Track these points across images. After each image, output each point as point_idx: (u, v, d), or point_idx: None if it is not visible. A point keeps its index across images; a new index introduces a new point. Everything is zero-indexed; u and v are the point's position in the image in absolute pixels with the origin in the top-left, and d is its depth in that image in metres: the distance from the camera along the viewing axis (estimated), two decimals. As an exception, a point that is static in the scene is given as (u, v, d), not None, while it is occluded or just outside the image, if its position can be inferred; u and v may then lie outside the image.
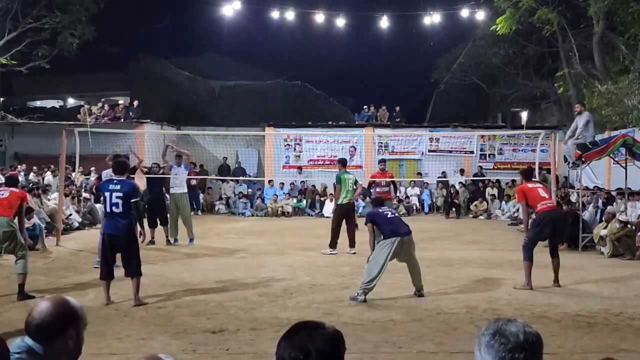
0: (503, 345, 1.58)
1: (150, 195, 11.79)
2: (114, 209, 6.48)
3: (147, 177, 12.00)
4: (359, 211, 14.94)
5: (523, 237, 7.95)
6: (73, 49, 20.90)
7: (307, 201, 19.19)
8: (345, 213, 10.59)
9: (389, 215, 7.06)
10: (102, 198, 7.88)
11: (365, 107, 22.24)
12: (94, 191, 8.11)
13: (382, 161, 12.36)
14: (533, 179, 8.49)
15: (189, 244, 11.39)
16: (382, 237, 6.99)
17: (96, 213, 15.19)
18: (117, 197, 6.46)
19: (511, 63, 24.61)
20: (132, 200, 6.52)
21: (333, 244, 10.45)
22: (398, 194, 16.37)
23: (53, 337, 2.02)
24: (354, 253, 10.24)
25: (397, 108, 22.38)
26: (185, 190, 11.76)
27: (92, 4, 20.64)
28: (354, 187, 10.66)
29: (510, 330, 1.61)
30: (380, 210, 7.19)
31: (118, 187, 6.51)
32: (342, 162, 11.20)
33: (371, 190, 12.29)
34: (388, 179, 11.81)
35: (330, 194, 18.68)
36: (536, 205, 7.71)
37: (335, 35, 23.21)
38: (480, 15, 21.21)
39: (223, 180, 19.89)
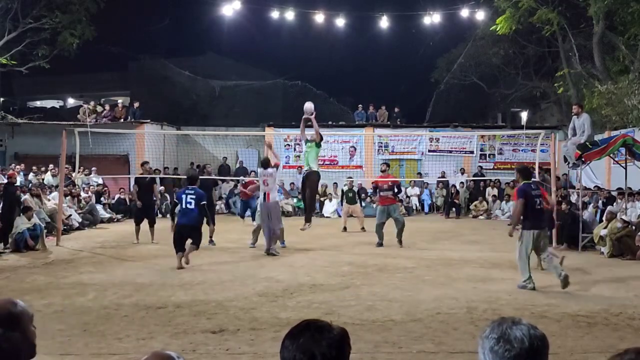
0: (507, 352, 1.53)
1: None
2: (188, 206, 8.94)
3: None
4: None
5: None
6: (73, 49, 20.85)
7: (307, 201, 19.14)
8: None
9: (536, 206, 7.31)
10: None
11: (360, 105, 22.18)
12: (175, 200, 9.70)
13: (385, 164, 12.58)
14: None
15: (249, 245, 11.26)
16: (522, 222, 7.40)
17: (96, 213, 15.21)
18: (191, 198, 8.95)
19: (511, 63, 24.59)
20: (202, 203, 9.05)
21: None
22: (399, 196, 16.46)
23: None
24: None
25: (396, 109, 22.36)
26: (277, 199, 11.21)
27: (92, 4, 20.59)
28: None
29: (514, 335, 1.55)
30: (532, 192, 7.39)
31: (192, 191, 9.11)
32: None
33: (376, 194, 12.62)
34: (390, 182, 11.78)
35: (330, 193, 18.70)
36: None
37: (335, 35, 23.21)
38: (480, 15, 21.19)
39: (223, 180, 19.88)
